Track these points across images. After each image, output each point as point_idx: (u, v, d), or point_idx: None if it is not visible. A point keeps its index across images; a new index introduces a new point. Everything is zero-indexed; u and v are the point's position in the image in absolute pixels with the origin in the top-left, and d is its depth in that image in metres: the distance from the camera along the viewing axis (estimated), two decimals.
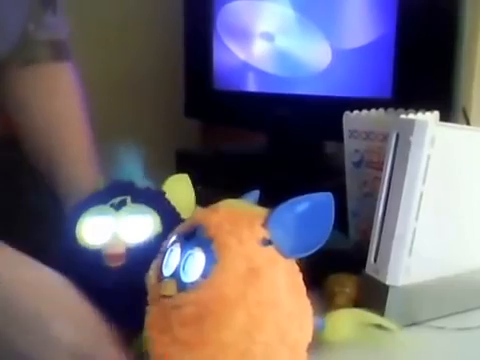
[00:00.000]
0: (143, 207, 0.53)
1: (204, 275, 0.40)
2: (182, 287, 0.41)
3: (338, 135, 0.74)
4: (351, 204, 0.75)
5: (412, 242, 0.61)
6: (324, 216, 0.43)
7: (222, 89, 1.17)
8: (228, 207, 0.45)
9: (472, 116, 0.85)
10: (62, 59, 0.79)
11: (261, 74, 1.09)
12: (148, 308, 0.44)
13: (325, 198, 0.43)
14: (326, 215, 0.43)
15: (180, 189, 0.58)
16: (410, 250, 0.61)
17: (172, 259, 0.43)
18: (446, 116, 0.72)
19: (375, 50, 0.91)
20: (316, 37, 0.98)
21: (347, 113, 0.73)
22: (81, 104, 0.78)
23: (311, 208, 0.43)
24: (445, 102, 0.80)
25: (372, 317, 0.56)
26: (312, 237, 0.43)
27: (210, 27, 1.16)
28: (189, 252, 0.42)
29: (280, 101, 1.05)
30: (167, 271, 0.43)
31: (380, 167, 0.64)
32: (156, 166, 0.57)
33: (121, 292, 0.49)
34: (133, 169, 0.57)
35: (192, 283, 0.41)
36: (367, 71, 0.93)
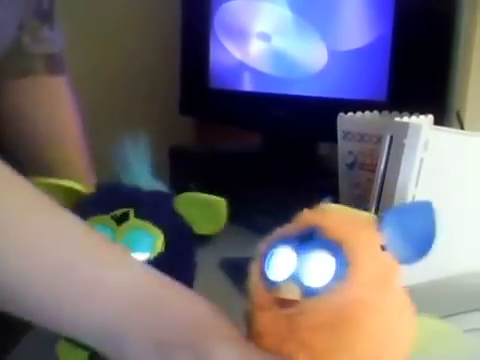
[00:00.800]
0: (146, 224, 0.50)
1: (335, 279, 0.37)
2: (308, 291, 0.38)
3: (332, 136, 0.74)
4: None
5: None
6: (430, 223, 0.42)
7: (218, 88, 1.17)
8: (336, 210, 0.43)
9: (466, 120, 0.85)
10: (57, 72, 0.81)
11: (257, 74, 1.09)
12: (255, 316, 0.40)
13: (429, 205, 0.42)
14: (431, 222, 0.42)
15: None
16: None
17: (281, 262, 0.39)
18: (440, 120, 0.72)
19: (371, 52, 0.91)
20: (312, 38, 0.98)
21: (341, 114, 0.73)
22: (77, 112, 0.80)
23: (420, 215, 0.42)
24: (440, 106, 0.81)
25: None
26: (422, 244, 0.42)
27: (207, 26, 1.15)
28: (310, 255, 0.38)
29: (275, 101, 1.05)
30: (278, 275, 0.39)
31: (373, 169, 0.64)
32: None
33: None
34: (140, 169, 0.54)
35: (320, 288, 0.37)
36: (362, 73, 0.93)
